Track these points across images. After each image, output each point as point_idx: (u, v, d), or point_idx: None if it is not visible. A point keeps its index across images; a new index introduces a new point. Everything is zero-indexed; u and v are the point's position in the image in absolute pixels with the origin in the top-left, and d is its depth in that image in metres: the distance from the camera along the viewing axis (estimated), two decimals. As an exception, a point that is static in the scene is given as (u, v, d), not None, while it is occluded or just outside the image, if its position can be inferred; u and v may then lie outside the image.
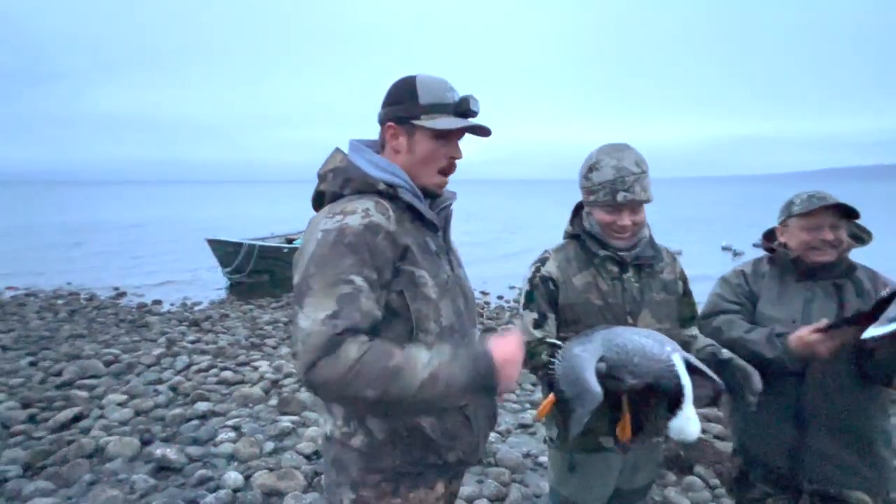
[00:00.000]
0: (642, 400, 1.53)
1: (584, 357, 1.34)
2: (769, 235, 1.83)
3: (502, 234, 21.46)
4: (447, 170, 1.23)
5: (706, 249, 16.30)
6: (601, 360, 1.35)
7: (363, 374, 0.96)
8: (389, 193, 1.17)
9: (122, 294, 9.92)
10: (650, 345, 1.33)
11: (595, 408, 1.28)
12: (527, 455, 3.44)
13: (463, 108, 1.19)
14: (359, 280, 1.03)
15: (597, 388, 1.28)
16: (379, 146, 1.26)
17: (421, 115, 1.17)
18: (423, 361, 1.01)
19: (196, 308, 8.70)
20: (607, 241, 1.57)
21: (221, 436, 3.64)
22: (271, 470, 3.16)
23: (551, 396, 1.51)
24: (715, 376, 1.39)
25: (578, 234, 1.64)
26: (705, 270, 12.33)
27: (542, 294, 1.59)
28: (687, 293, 1.71)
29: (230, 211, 39.20)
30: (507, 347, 1.09)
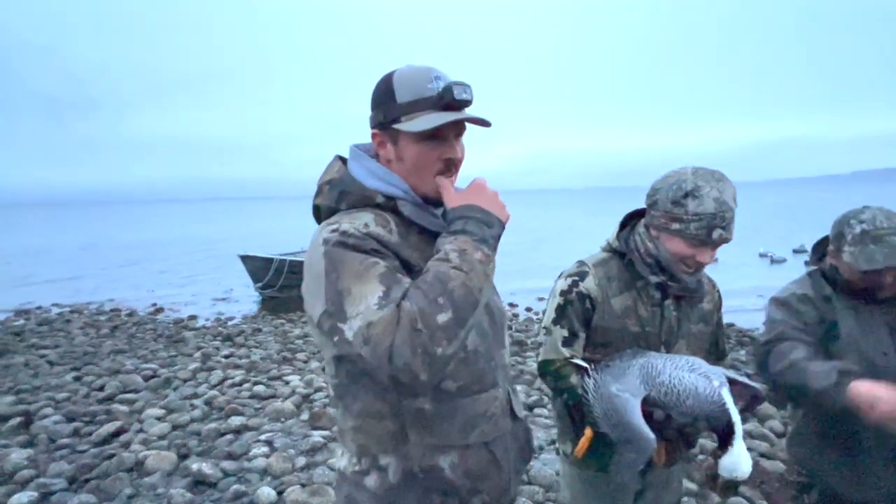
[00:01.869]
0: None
1: (627, 398, 1.27)
2: (820, 247, 1.63)
3: (531, 244, 21.30)
4: (444, 172, 1.06)
5: (743, 256, 15.77)
6: (647, 400, 1.28)
7: (427, 312, 0.86)
8: (390, 206, 1.05)
9: (160, 310, 10.24)
10: (700, 384, 1.25)
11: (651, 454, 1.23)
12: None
13: (447, 100, 1.00)
14: (385, 261, 0.94)
15: (650, 434, 1.22)
16: (374, 153, 1.13)
17: (401, 117, 1.01)
18: (446, 256, 0.94)
19: (229, 323, 8.90)
20: (675, 273, 1.42)
21: (255, 450, 3.69)
22: (304, 485, 3.18)
23: (589, 432, 1.45)
24: (751, 382, 1.37)
25: (624, 253, 1.48)
26: (743, 279, 11.94)
27: (577, 311, 1.47)
28: (718, 323, 1.61)
29: (263, 227, 40.20)
30: (475, 190, 1.04)
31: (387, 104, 1.03)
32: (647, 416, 1.27)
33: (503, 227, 1.03)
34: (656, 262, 1.44)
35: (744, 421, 1.25)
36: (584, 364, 1.44)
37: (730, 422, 1.22)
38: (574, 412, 1.56)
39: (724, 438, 1.24)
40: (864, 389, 1.29)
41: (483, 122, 1.04)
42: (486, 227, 0.99)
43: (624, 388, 1.29)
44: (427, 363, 0.86)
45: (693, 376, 1.27)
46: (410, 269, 0.99)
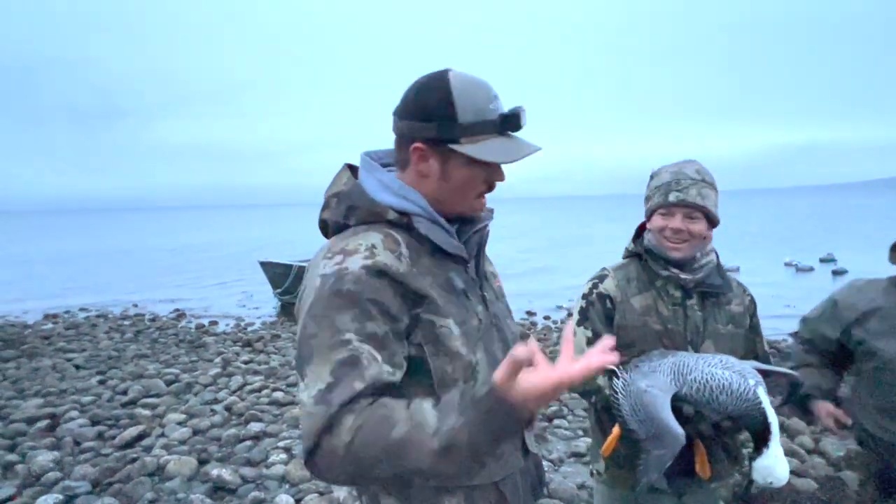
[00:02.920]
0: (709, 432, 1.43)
1: (656, 394, 1.25)
2: None
3: (550, 251, 21.16)
4: (487, 191, 1.02)
5: (768, 265, 15.41)
6: (678, 397, 1.26)
7: (363, 455, 0.77)
8: (403, 223, 0.97)
9: (182, 315, 10.42)
10: (735, 380, 1.22)
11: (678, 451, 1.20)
12: (581, 486, 3.28)
13: (512, 125, 0.96)
14: (357, 340, 0.84)
15: (679, 430, 1.19)
16: (398, 163, 1.02)
17: (461, 138, 0.93)
18: (430, 428, 0.77)
19: (249, 329, 9.00)
20: (664, 253, 1.49)
21: (273, 457, 3.70)
22: (321, 494, 3.17)
23: (616, 430, 1.43)
24: (787, 370, 1.37)
25: (640, 254, 1.57)
26: (768, 288, 11.64)
27: (598, 312, 1.53)
28: (754, 328, 1.60)
29: (282, 233, 40.76)
30: (531, 385, 0.73)
31: (445, 121, 0.93)
32: (676, 413, 1.25)
33: (520, 432, 0.85)
34: (653, 255, 1.52)
35: (782, 410, 1.21)
36: (613, 368, 1.43)
37: (765, 421, 1.18)
38: (604, 418, 1.55)
39: (760, 440, 1.20)
40: (821, 413, 1.58)
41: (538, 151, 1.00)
42: (499, 432, 0.76)
43: (653, 384, 1.28)
44: (349, 481, 0.86)
45: (727, 373, 1.24)
46: (421, 299, 0.91)
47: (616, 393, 1.38)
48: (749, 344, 1.58)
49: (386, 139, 1.07)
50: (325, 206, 1.03)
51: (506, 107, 0.98)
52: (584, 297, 1.57)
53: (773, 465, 1.16)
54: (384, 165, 1.05)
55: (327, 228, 1.04)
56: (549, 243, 24.98)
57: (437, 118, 0.94)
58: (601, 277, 1.58)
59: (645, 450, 1.30)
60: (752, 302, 1.61)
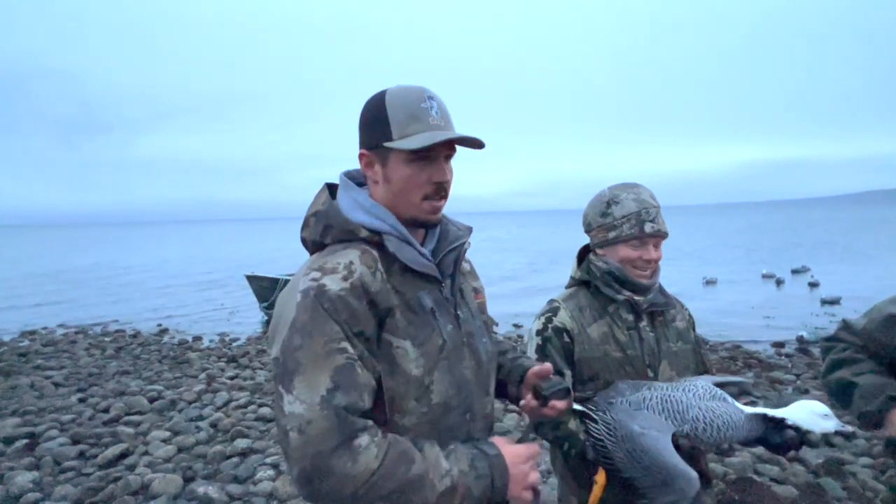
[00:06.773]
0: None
1: (657, 437, 1.20)
2: None
3: (533, 265, 21.32)
4: (434, 195, 1.00)
5: (746, 277, 15.75)
6: (677, 435, 1.23)
7: (381, 484, 0.83)
8: (375, 241, 0.99)
9: (165, 331, 10.26)
10: (733, 413, 1.21)
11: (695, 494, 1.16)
12: (568, 497, 3.32)
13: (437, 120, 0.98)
14: (351, 348, 0.89)
15: (693, 473, 1.15)
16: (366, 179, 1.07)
17: (393, 136, 0.97)
18: (443, 469, 0.88)
19: (234, 344, 8.90)
20: (632, 279, 1.45)
21: (260, 474, 3.67)
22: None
23: (602, 479, 1.32)
24: (739, 378, 1.41)
25: (588, 281, 1.51)
26: (746, 300, 11.89)
27: (557, 347, 1.43)
28: (697, 341, 1.58)
29: (269, 247, 40.38)
30: (518, 460, 0.96)
31: (378, 123, 0.98)
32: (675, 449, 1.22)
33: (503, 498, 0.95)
34: (614, 279, 1.46)
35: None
36: (581, 408, 1.37)
37: (782, 423, 1.20)
38: (578, 466, 1.45)
39: (786, 444, 1.21)
40: None
41: (478, 144, 1.00)
42: (491, 491, 0.92)
43: (648, 426, 1.21)
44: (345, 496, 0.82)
45: (721, 405, 1.22)
46: (385, 318, 0.94)
47: (600, 439, 1.30)
48: (697, 358, 1.57)
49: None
50: (305, 225, 1.05)
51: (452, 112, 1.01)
52: (539, 333, 1.46)
53: (808, 418, 1.17)
54: (362, 184, 1.08)
55: (307, 246, 1.07)
56: (531, 257, 25.18)
57: (373, 123, 1.00)
58: (553, 311, 1.49)
59: (649, 498, 1.22)
60: (691, 316, 1.62)
